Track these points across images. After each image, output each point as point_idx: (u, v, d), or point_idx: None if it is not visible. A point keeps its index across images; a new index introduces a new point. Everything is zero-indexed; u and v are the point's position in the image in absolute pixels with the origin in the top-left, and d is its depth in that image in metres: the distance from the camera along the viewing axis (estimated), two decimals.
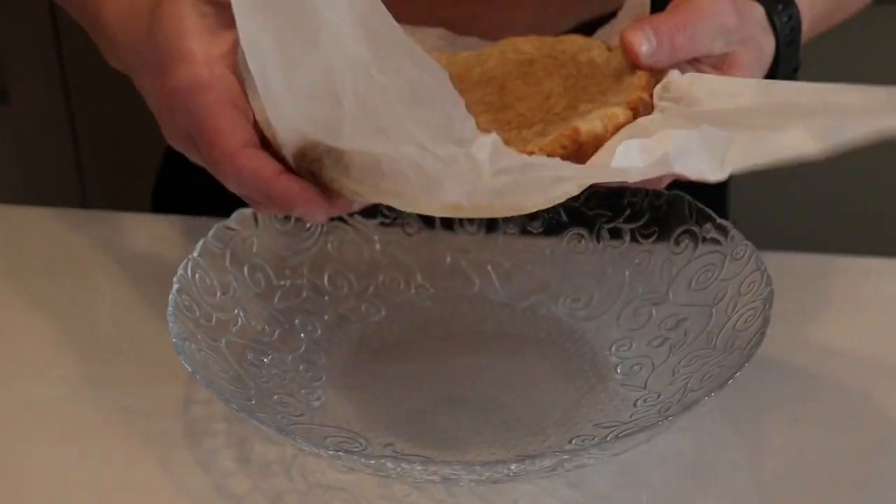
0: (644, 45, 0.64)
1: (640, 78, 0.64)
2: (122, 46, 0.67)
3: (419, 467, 0.61)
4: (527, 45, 0.72)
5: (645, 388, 0.71)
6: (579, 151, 0.60)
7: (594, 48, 0.70)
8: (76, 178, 1.80)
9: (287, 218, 0.79)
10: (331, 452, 0.62)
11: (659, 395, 0.70)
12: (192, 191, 1.04)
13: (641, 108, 0.63)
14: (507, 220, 0.82)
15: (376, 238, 0.82)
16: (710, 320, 0.73)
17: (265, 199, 0.58)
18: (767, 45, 0.68)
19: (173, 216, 0.93)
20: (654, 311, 0.76)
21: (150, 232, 0.91)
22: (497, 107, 0.67)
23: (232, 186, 0.59)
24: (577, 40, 0.71)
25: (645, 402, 0.70)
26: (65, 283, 0.85)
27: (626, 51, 0.64)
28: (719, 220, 0.76)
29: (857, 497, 0.66)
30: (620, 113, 0.62)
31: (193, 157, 0.63)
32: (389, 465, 0.61)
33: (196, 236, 0.76)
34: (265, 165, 0.58)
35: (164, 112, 0.62)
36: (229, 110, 0.59)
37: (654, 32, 0.64)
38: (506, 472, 0.61)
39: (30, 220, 0.93)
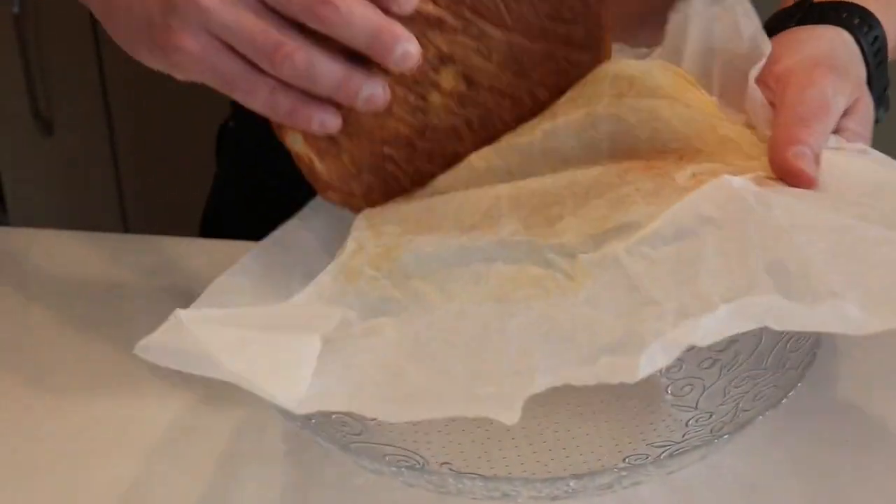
0: (812, 168, 0.65)
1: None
2: None
3: (480, 483, 0.62)
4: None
5: (696, 408, 0.72)
6: None
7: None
8: (118, 205, 1.83)
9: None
10: (393, 469, 0.63)
11: (711, 416, 0.71)
12: (239, 217, 1.06)
13: None
14: None
15: None
16: (760, 341, 0.74)
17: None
18: (860, 71, 0.69)
19: (220, 241, 0.95)
20: None
21: (201, 256, 0.93)
22: None
23: None
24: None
25: (697, 421, 0.71)
26: (123, 305, 0.87)
27: (794, 178, 0.65)
28: None
29: None
30: None
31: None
32: (451, 481, 0.62)
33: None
34: None
35: None
36: None
37: (811, 150, 0.65)
38: (564, 488, 0.62)
39: (82, 245, 0.95)
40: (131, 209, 1.83)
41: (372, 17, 0.62)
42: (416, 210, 0.73)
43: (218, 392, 0.76)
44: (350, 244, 0.71)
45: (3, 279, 0.91)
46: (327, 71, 0.63)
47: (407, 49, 0.64)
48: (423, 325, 0.64)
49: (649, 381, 0.76)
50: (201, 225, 1.13)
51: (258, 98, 0.64)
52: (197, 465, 0.71)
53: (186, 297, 0.86)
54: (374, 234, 0.72)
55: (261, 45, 0.62)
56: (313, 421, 0.69)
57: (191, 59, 0.64)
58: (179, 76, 0.67)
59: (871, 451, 0.71)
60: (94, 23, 1.71)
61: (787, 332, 0.72)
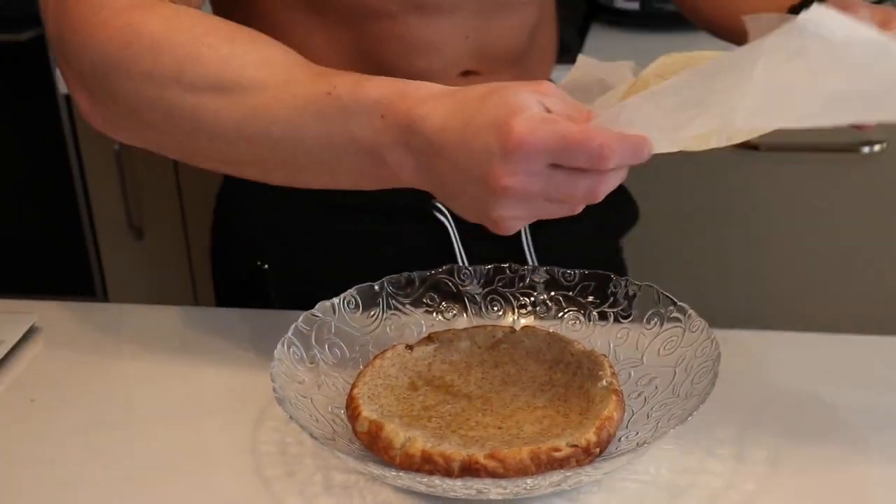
0: None
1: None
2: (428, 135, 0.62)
3: (459, 483, 0.63)
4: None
5: (626, 427, 0.73)
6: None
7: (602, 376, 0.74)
8: (192, 290, 1.84)
9: (357, 307, 0.82)
10: (394, 473, 0.65)
11: (637, 433, 0.72)
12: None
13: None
14: (522, 306, 0.85)
15: (422, 322, 0.84)
16: (674, 377, 0.75)
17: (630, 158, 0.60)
18: None
19: (266, 311, 0.95)
20: (632, 372, 0.78)
21: (250, 322, 0.94)
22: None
23: (609, 170, 0.60)
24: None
25: (627, 437, 0.72)
26: (195, 359, 0.87)
27: None
28: (679, 304, 0.78)
29: None
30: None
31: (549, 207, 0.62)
32: (437, 481, 0.63)
33: (280, 325, 0.78)
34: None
35: (515, 161, 0.59)
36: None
37: None
38: (524, 486, 0.63)
39: (168, 316, 0.96)
40: (202, 297, 1.85)
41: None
42: None
43: (260, 422, 0.77)
44: None
45: (105, 343, 0.92)
46: None
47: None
48: None
49: None
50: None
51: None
52: (242, 476, 0.72)
53: (249, 352, 0.87)
54: None
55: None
56: (334, 440, 0.71)
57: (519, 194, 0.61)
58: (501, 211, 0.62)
59: (763, 453, 0.72)
60: None
61: (693, 369, 0.74)
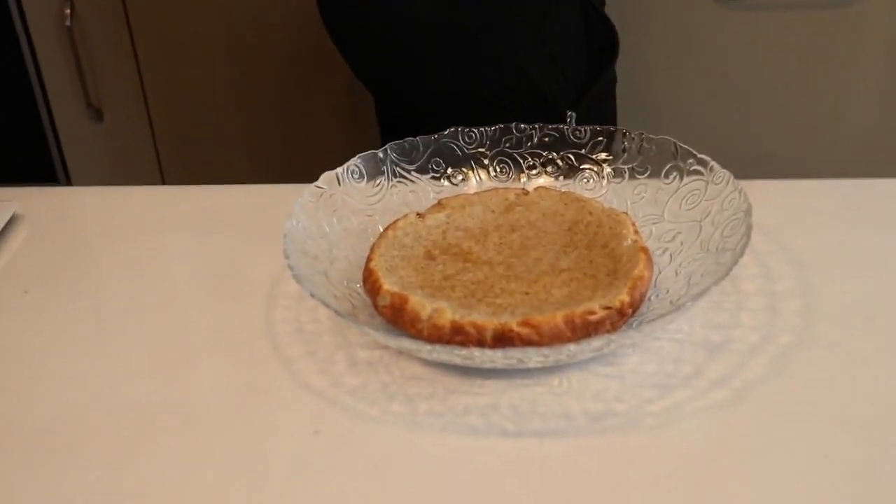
0: None
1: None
2: None
3: (500, 354, 0.59)
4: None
5: (655, 286, 0.70)
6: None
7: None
8: (158, 171, 1.78)
9: (361, 177, 0.77)
10: (429, 348, 0.60)
11: (668, 291, 0.68)
12: None
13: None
14: (531, 167, 0.80)
15: (430, 189, 0.80)
16: (700, 232, 0.71)
17: None
18: None
19: (236, 186, 0.89)
20: (653, 229, 0.74)
21: (244, 199, 0.89)
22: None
23: None
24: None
25: (657, 296, 0.69)
26: (184, 239, 0.82)
27: None
28: (700, 156, 0.74)
29: (828, 355, 0.65)
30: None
31: None
32: (476, 353, 0.59)
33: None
34: None
35: None
36: None
37: None
38: (566, 353, 0.60)
39: (152, 196, 0.91)
40: (168, 177, 1.78)
41: None
42: None
43: (273, 301, 0.73)
44: None
45: (92, 228, 0.87)
46: None
47: None
48: None
49: None
50: None
51: None
52: (261, 357, 0.68)
53: (252, 229, 0.82)
54: None
55: None
56: (357, 316, 0.66)
57: None
58: None
59: (790, 305, 0.69)
60: (130, 29, 1.65)
61: (721, 222, 0.70)
